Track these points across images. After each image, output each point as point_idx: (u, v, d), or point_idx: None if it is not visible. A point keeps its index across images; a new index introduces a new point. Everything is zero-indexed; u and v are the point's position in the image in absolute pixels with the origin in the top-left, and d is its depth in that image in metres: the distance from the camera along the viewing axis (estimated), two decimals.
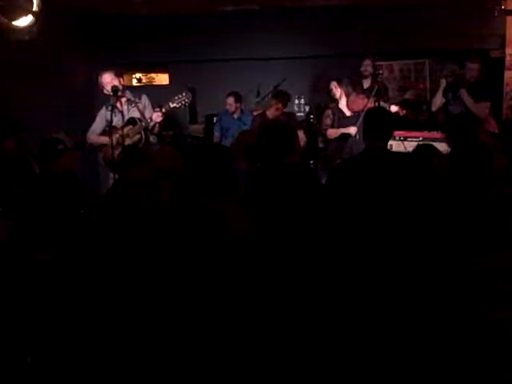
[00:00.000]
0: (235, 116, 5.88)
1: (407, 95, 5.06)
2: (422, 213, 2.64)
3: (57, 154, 3.33)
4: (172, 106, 4.49)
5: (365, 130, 3.16)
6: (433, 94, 5.61)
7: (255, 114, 5.84)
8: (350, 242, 2.66)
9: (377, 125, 3.07)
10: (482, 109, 4.81)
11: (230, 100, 5.85)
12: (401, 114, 5.00)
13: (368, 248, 2.63)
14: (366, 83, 5.41)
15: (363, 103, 4.81)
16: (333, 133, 5.02)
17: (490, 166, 2.66)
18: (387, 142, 3.11)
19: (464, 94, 4.86)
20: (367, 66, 5.42)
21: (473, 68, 4.91)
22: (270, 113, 5.31)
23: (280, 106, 5.29)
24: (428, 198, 2.70)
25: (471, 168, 2.65)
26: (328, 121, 5.13)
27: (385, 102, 5.02)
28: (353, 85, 5.18)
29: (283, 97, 5.34)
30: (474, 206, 2.51)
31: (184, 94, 4.50)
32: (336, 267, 2.50)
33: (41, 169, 3.56)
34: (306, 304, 2.36)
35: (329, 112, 5.17)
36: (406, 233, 2.63)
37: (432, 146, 3.45)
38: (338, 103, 5.12)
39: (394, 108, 4.92)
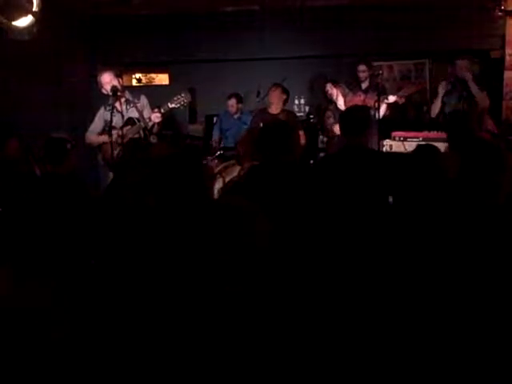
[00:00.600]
0: (235, 116, 5.89)
1: (401, 93, 5.06)
2: (396, 208, 2.65)
3: (66, 154, 3.32)
4: (171, 106, 4.49)
5: (341, 128, 3.19)
6: (433, 95, 5.61)
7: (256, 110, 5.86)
8: (324, 237, 2.67)
9: (351, 122, 3.10)
10: (485, 98, 4.80)
11: (232, 102, 5.85)
12: (400, 102, 4.97)
13: (339, 241, 2.64)
14: (364, 84, 5.41)
15: (360, 100, 4.82)
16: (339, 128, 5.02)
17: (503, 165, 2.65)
18: (364, 138, 3.12)
19: (470, 80, 4.81)
20: (362, 72, 5.39)
21: (461, 65, 4.90)
22: (273, 96, 5.33)
23: (280, 89, 5.32)
24: (405, 194, 2.71)
25: (483, 167, 2.64)
26: (331, 120, 5.15)
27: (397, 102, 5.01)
28: (354, 86, 5.20)
29: (281, 85, 5.41)
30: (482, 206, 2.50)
31: (183, 95, 4.50)
32: (317, 266, 2.51)
33: (45, 169, 3.53)
34: (303, 301, 2.37)
35: (329, 113, 5.21)
36: (378, 226, 2.63)
37: (434, 146, 3.43)
38: (335, 104, 5.13)
39: (392, 98, 4.90)
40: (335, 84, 5.18)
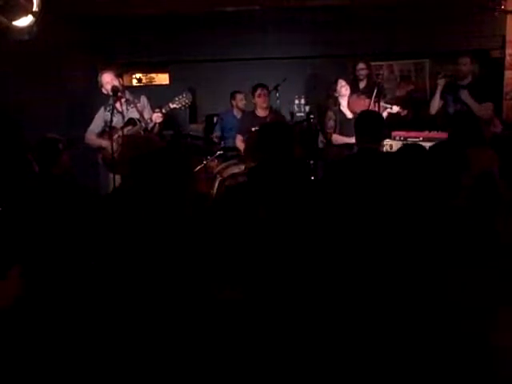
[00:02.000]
0: (238, 116, 5.88)
1: (397, 93, 5.06)
2: (411, 215, 2.63)
3: (58, 153, 3.32)
4: (172, 106, 4.49)
5: (356, 133, 3.17)
6: (432, 94, 5.61)
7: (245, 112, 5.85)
8: (338, 240, 2.67)
9: (368, 128, 3.09)
10: (485, 110, 4.79)
11: (241, 96, 5.85)
12: (402, 114, 5.00)
13: (354, 246, 2.64)
14: (362, 83, 5.41)
15: (364, 104, 4.81)
16: (337, 139, 5.01)
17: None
18: (379, 144, 3.13)
19: (466, 96, 4.83)
20: (361, 70, 5.40)
21: (466, 62, 4.91)
22: (258, 102, 5.28)
23: (265, 91, 5.28)
24: (418, 199, 2.70)
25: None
26: (331, 123, 5.11)
27: (386, 102, 5.02)
28: (352, 86, 5.19)
29: (263, 84, 5.35)
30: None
31: (184, 95, 4.50)
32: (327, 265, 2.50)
33: (41, 169, 3.53)
34: (305, 299, 2.37)
35: (331, 114, 5.14)
36: (391, 233, 2.62)
37: (420, 145, 3.41)
38: (339, 105, 5.10)
39: (395, 108, 4.92)
40: (347, 81, 5.13)
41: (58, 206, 3.02)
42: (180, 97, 4.49)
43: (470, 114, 4.38)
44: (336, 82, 5.16)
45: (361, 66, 5.39)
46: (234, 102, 5.91)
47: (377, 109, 4.72)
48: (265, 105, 5.28)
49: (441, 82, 5.05)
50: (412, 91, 6.39)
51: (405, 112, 4.96)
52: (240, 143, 5.31)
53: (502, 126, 4.84)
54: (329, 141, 5.26)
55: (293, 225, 2.63)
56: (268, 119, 5.18)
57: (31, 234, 2.69)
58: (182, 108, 4.58)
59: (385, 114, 4.80)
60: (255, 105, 5.37)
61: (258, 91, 5.27)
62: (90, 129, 4.69)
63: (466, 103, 4.82)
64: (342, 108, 5.08)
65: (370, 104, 4.79)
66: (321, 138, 5.84)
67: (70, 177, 3.44)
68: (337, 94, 5.14)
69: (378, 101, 4.75)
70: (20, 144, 3.87)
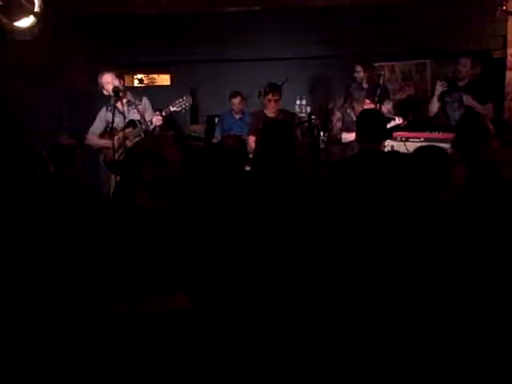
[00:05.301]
0: (237, 117, 5.88)
1: (398, 96, 5.05)
2: (413, 214, 2.63)
3: (77, 158, 3.35)
4: (172, 109, 4.48)
5: (358, 133, 3.15)
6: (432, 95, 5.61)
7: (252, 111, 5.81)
8: (341, 242, 2.67)
9: (370, 127, 3.06)
10: (488, 111, 4.80)
11: (237, 100, 5.83)
12: (402, 125, 5.03)
13: (358, 247, 2.64)
14: (366, 86, 5.40)
15: (370, 107, 4.82)
16: (347, 137, 4.97)
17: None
18: (381, 144, 3.11)
19: (469, 99, 4.84)
20: (357, 73, 5.38)
21: (466, 64, 4.91)
22: (271, 107, 5.18)
23: (278, 97, 5.17)
24: (420, 199, 2.69)
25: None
26: (339, 124, 5.04)
27: (389, 112, 5.03)
28: (358, 89, 5.17)
29: (277, 88, 5.20)
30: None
31: (185, 98, 4.50)
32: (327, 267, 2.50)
33: (47, 171, 3.55)
34: (304, 300, 2.38)
35: (339, 115, 5.08)
36: (395, 234, 2.61)
37: (436, 146, 3.36)
38: (346, 109, 5.07)
39: (398, 120, 4.95)
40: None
41: (70, 206, 3.03)
42: (180, 100, 4.49)
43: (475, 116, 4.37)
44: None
45: (358, 68, 5.34)
46: (231, 104, 5.91)
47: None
48: (273, 110, 5.17)
49: (439, 87, 5.06)
50: (413, 96, 6.41)
51: (405, 123, 4.99)
52: (253, 144, 5.26)
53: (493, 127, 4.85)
54: (331, 140, 5.22)
55: (294, 224, 2.64)
56: (278, 119, 5.13)
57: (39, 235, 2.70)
58: (183, 111, 4.58)
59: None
60: (264, 105, 5.25)
61: (269, 96, 5.12)
62: (91, 129, 4.69)
63: (468, 106, 4.83)
64: (348, 111, 5.06)
65: (375, 108, 4.79)
66: (322, 137, 5.83)
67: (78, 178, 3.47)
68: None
69: (381, 104, 4.74)
70: (23, 145, 3.88)
